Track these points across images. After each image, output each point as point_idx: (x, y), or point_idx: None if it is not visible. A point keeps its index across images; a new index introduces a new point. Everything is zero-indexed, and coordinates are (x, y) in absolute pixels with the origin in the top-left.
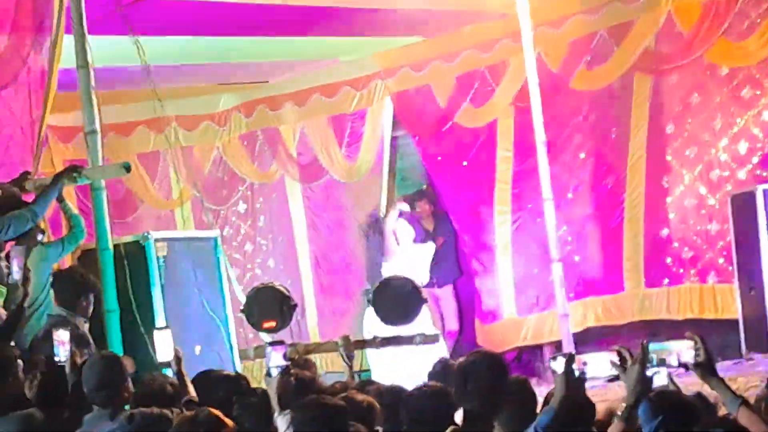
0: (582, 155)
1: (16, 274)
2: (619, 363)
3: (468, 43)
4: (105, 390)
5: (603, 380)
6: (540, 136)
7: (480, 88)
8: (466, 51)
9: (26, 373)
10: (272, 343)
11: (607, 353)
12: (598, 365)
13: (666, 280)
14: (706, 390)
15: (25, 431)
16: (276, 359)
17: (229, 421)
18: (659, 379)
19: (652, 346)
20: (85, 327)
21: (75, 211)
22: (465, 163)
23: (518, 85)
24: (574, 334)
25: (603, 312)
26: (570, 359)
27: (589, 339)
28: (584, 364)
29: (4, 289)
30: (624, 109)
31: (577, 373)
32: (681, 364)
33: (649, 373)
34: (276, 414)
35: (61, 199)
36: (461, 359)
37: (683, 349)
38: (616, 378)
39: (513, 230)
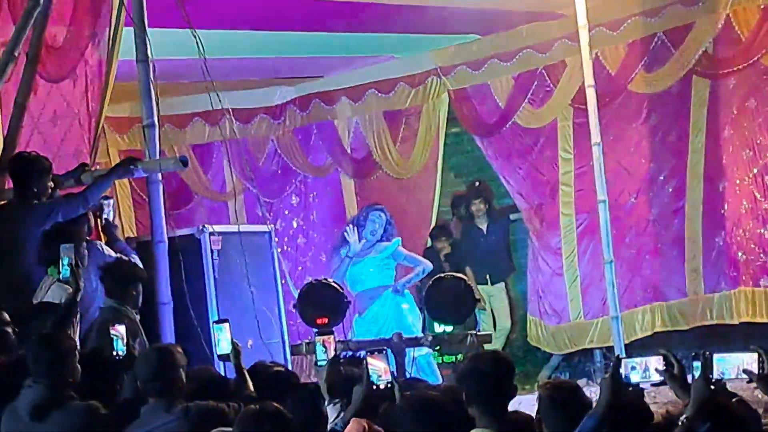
0: (643, 159)
1: (66, 270)
2: (665, 368)
3: (525, 43)
4: (159, 381)
5: (649, 385)
6: (594, 138)
7: (538, 88)
8: (523, 51)
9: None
10: (320, 333)
11: (654, 358)
12: (647, 370)
13: (722, 284)
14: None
15: (88, 422)
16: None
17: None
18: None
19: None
20: (136, 318)
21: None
22: (527, 164)
23: (576, 86)
24: (641, 339)
25: (668, 317)
26: (617, 363)
27: (652, 345)
28: (632, 368)
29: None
30: (683, 112)
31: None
32: (745, 372)
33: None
34: (326, 403)
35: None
36: (464, 362)
37: (746, 361)
38: (662, 383)
39: (578, 233)
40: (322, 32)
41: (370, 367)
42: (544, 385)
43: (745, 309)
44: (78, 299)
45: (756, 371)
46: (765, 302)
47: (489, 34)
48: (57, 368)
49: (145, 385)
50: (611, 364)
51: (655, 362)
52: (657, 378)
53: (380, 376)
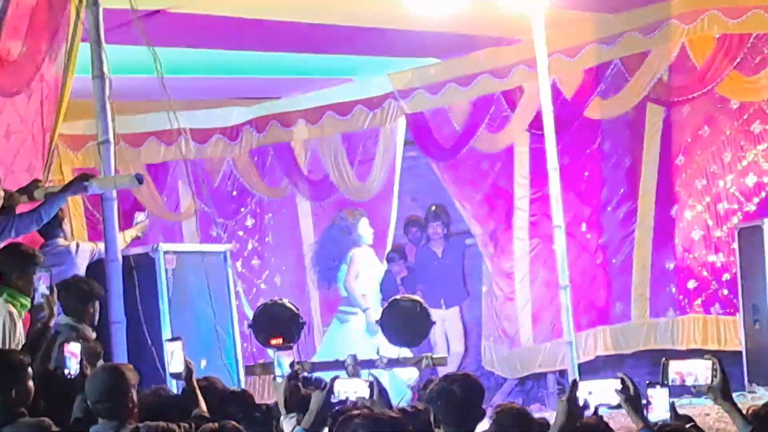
0: (596, 184)
1: (41, 297)
2: (621, 390)
3: (483, 68)
4: (109, 401)
5: (607, 408)
6: (552, 163)
7: (496, 113)
8: (481, 75)
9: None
10: (279, 349)
11: (612, 380)
12: (604, 393)
13: (670, 311)
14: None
15: None
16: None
17: None
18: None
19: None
20: (93, 336)
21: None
22: (483, 189)
23: (533, 112)
24: (585, 363)
25: (612, 341)
26: (574, 385)
27: (597, 368)
28: (590, 393)
29: (27, 301)
30: (637, 139)
31: (581, 401)
32: (693, 387)
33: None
34: (282, 417)
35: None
36: (435, 382)
37: (701, 369)
38: (619, 406)
39: (531, 257)
40: (280, 53)
41: (342, 392)
42: (495, 409)
43: (694, 335)
44: (51, 325)
45: (709, 380)
46: (716, 329)
47: (447, 58)
48: (8, 385)
49: (95, 405)
50: (569, 387)
51: (613, 385)
52: (615, 401)
53: (356, 392)
